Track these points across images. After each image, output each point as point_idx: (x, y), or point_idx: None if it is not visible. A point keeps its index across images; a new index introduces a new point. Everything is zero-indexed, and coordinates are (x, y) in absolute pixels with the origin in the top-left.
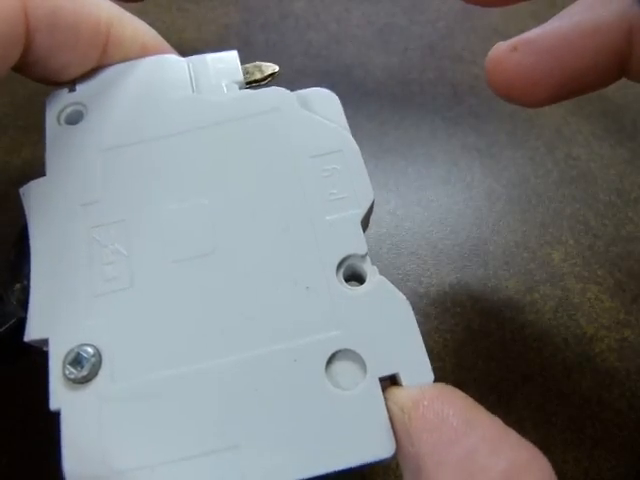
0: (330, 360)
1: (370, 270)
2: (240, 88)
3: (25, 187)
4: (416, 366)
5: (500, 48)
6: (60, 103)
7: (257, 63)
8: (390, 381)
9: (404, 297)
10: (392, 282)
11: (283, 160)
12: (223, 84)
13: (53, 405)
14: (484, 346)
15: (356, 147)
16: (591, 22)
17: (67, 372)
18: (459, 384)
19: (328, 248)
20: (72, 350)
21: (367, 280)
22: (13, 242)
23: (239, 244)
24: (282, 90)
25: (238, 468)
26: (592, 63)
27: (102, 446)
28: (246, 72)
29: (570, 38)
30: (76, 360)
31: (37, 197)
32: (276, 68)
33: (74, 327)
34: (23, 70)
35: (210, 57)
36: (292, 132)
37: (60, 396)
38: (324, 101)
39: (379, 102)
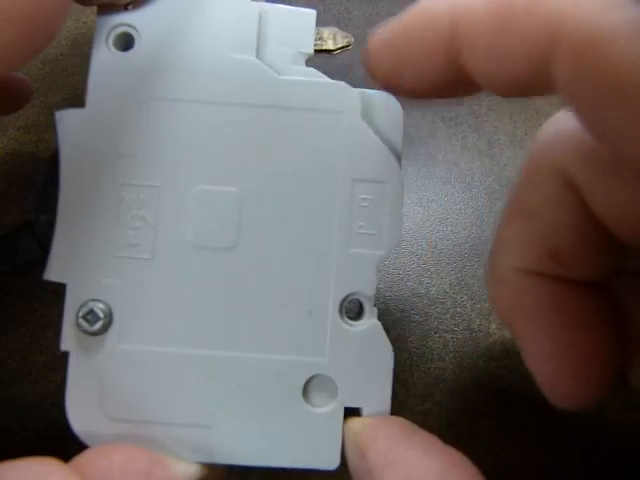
0: (309, 379)
1: (370, 312)
2: (308, 58)
3: (62, 113)
4: (378, 404)
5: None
6: (111, 21)
7: (334, 29)
8: (351, 411)
9: (391, 347)
10: (392, 282)
11: (325, 172)
12: (290, 52)
13: (63, 347)
14: (484, 346)
15: (401, 181)
16: None
17: (80, 323)
18: (459, 384)
19: (341, 280)
20: (86, 304)
21: (364, 319)
22: (45, 166)
23: (260, 248)
24: (349, 90)
25: (208, 443)
26: None
27: (101, 393)
28: (319, 37)
29: None
30: (89, 314)
31: (72, 129)
32: (351, 40)
33: (91, 281)
34: None
35: (285, 11)
36: (345, 145)
37: (70, 340)
38: (387, 110)
39: None
